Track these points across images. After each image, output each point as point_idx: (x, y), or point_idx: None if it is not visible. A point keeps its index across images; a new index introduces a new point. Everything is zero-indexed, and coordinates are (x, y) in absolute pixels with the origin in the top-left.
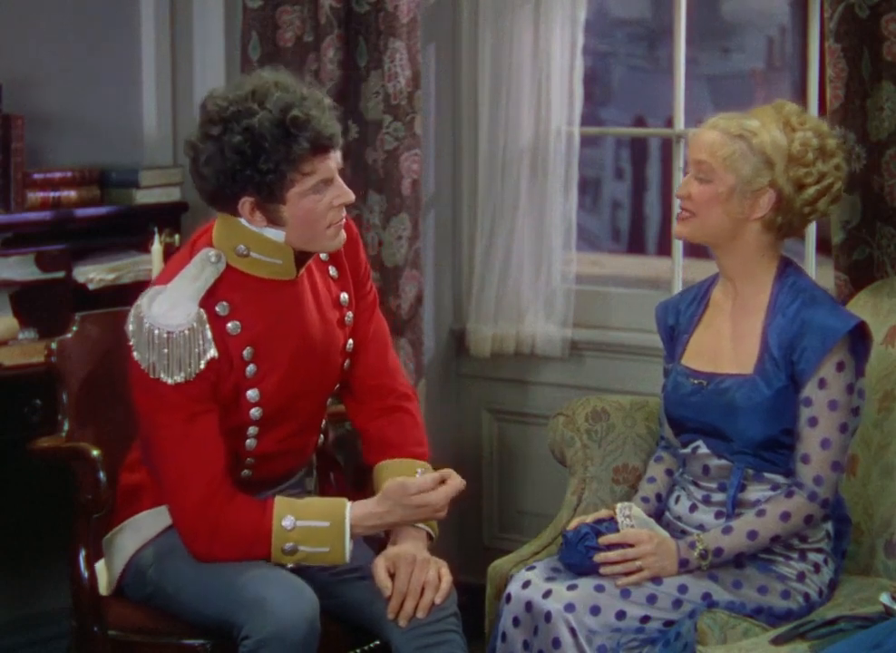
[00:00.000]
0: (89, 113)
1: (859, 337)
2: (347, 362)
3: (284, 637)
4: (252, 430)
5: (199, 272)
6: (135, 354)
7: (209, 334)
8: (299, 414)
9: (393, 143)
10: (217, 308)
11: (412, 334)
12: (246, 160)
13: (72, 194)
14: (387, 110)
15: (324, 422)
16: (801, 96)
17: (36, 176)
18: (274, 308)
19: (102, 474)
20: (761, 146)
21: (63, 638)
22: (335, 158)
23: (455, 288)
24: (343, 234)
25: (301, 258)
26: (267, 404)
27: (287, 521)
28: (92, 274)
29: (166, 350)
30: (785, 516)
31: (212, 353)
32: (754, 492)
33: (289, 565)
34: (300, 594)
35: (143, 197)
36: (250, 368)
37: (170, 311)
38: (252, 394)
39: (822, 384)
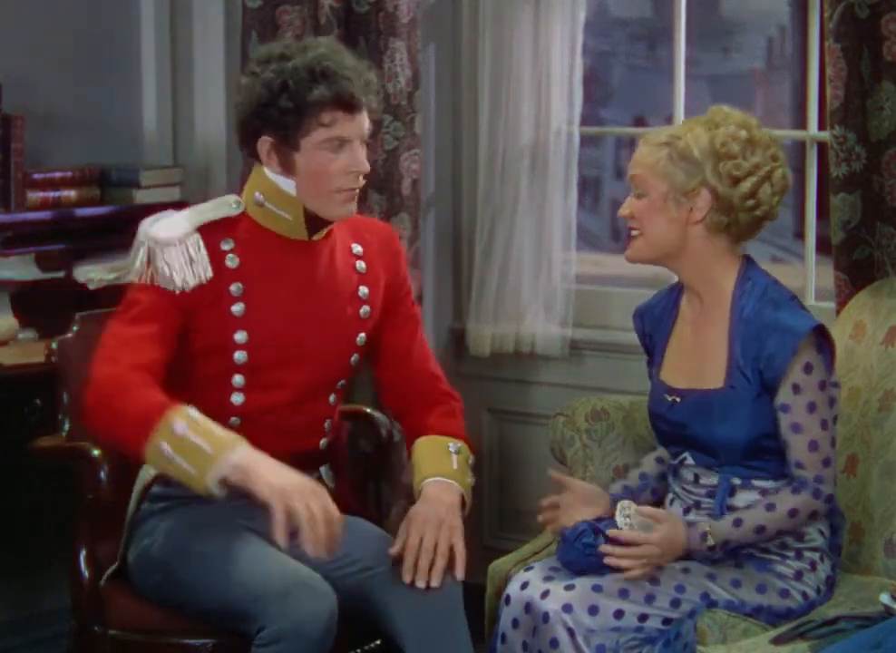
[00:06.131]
0: (89, 113)
1: (822, 336)
2: (355, 357)
3: (301, 632)
4: (238, 380)
5: (212, 208)
6: (131, 261)
7: (202, 256)
8: (293, 384)
9: (393, 143)
10: (222, 242)
11: None
12: (272, 95)
13: (72, 194)
14: (387, 110)
15: (329, 425)
16: (801, 96)
17: (36, 176)
18: (279, 260)
19: (102, 474)
20: (686, 148)
21: (63, 638)
22: (358, 122)
23: (455, 288)
24: (352, 206)
25: (315, 224)
26: (255, 352)
27: (179, 427)
28: (92, 274)
29: (152, 260)
30: (793, 512)
31: (207, 274)
32: (744, 499)
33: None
34: (322, 592)
35: (143, 197)
36: (238, 307)
37: (169, 228)
38: (240, 336)
39: (795, 389)
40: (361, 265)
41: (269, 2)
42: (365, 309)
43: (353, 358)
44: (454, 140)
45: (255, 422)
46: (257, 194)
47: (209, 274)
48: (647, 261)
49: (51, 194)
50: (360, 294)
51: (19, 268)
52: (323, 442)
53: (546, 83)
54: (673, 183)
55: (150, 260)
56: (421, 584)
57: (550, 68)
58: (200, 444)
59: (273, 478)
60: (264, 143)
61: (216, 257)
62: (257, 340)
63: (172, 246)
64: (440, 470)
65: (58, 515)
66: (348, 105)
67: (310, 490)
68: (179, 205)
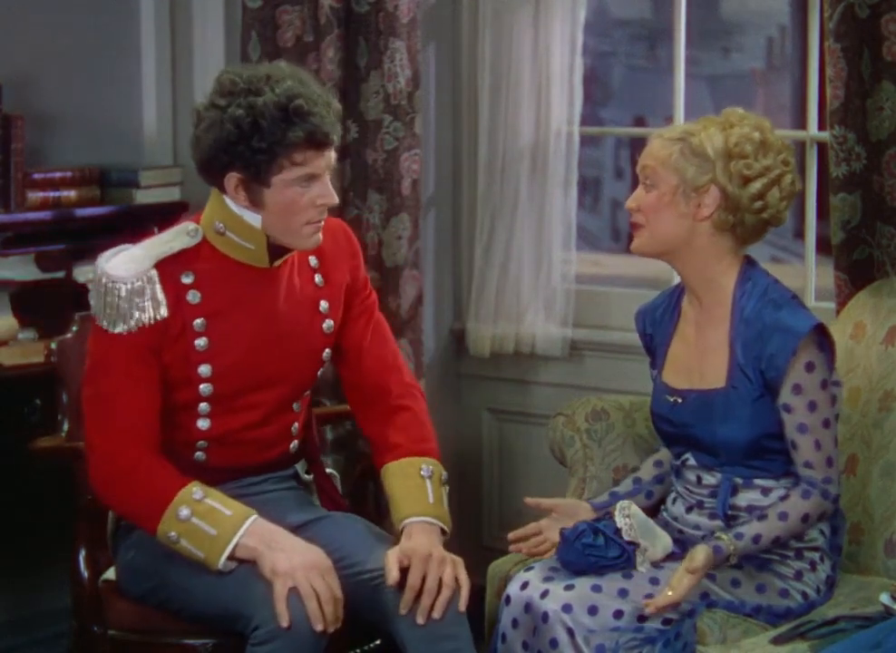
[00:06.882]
0: (89, 113)
1: (823, 334)
2: (321, 370)
3: (295, 630)
4: (204, 407)
5: (170, 239)
6: (90, 300)
7: (158, 294)
8: (260, 405)
9: (393, 143)
10: (182, 276)
11: (412, 334)
12: (242, 134)
13: (72, 194)
14: (387, 110)
15: (296, 429)
16: (801, 96)
17: (36, 176)
18: (241, 290)
19: None
20: (700, 145)
21: (63, 638)
22: (328, 157)
23: (455, 288)
24: (319, 236)
25: (277, 251)
26: (220, 383)
27: (183, 512)
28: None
29: (109, 299)
30: (806, 517)
31: (161, 312)
32: (745, 499)
33: None
34: None
35: (143, 197)
36: (202, 341)
37: (125, 264)
38: (204, 369)
39: (797, 389)
40: (319, 278)
41: (269, 2)
42: (328, 324)
43: (319, 372)
44: (454, 140)
45: (223, 442)
46: (217, 223)
47: (164, 313)
48: (650, 255)
49: (51, 194)
50: (321, 309)
51: (19, 268)
52: (293, 445)
53: (546, 83)
54: (683, 178)
55: (106, 299)
56: (420, 621)
57: (550, 68)
58: (205, 528)
59: (278, 558)
60: (231, 179)
61: (176, 291)
62: (220, 372)
63: (127, 285)
64: (418, 508)
65: (58, 515)
66: (321, 144)
67: (314, 566)
68: (178, 205)
